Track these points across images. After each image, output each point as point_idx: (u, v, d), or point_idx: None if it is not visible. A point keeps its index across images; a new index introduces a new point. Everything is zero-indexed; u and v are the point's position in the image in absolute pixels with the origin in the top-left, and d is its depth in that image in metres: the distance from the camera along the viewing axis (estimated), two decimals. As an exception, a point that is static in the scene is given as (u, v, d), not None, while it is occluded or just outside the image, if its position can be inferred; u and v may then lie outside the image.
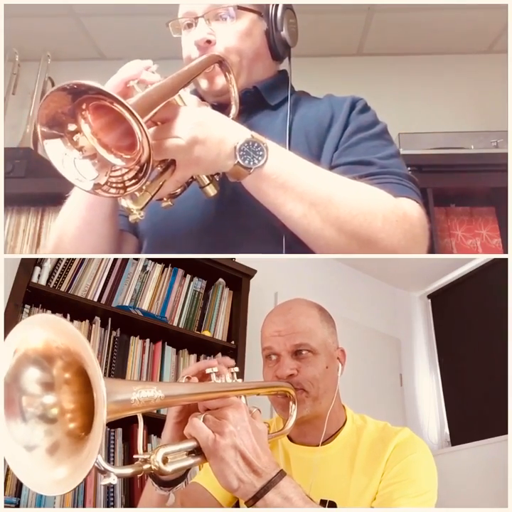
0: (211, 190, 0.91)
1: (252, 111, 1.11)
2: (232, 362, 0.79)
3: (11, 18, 1.68)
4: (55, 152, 0.72)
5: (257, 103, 1.12)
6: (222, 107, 1.02)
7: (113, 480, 0.54)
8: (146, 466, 0.60)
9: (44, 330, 0.54)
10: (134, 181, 0.73)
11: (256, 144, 0.86)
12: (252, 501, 0.66)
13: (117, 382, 0.59)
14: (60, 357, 0.54)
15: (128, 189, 0.74)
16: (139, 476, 0.62)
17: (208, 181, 0.91)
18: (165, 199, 0.89)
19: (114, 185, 0.75)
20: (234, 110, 1.04)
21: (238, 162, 0.85)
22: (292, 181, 0.87)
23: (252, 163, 0.85)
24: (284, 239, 0.96)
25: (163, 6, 2.20)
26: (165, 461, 0.61)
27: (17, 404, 0.55)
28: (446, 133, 2.31)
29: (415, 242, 0.90)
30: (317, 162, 0.96)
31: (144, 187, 0.77)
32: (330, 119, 1.06)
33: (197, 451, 0.67)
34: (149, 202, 0.80)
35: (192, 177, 0.91)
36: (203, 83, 1.09)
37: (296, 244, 0.94)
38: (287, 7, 1.13)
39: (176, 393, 0.66)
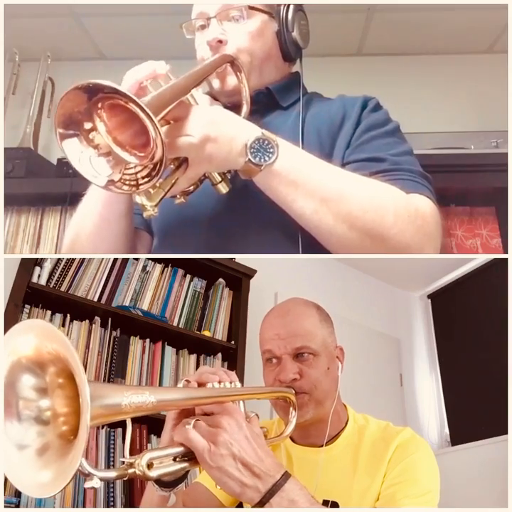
0: (223, 188, 0.93)
1: (264, 111, 1.11)
2: (235, 378, 0.77)
3: (11, 18, 1.69)
4: (72, 151, 0.74)
5: (269, 104, 1.13)
6: (235, 108, 1.03)
7: (96, 483, 0.54)
8: (130, 470, 0.59)
9: (35, 336, 0.54)
10: (146, 179, 0.75)
11: (266, 142, 0.87)
12: (259, 506, 0.65)
13: (108, 386, 0.58)
14: (52, 362, 0.55)
15: (140, 187, 0.76)
16: (123, 479, 0.61)
17: (219, 179, 0.92)
18: (178, 196, 0.91)
19: (127, 182, 0.76)
20: (245, 109, 1.05)
21: (249, 159, 0.86)
22: (303, 178, 0.88)
23: (262, 160, 0.86)
24: (300, 236, 0.96)
25: (163, 6, 2.20)
26: (150, 466, 0.61)
27: (14, 407, 0.55)
28: (446, 133, 2.31)
29: (429, 239, 0.89)
30: (329, 160, 0.96)
31: (157, 184, 0.79)
32: (342, 117, 1.06)
33: (187, 456, 0.66)
34: (163, 198, 0.82)
35: (204, 174, 0.92)
36: (215, 83, 1.09)
37: (309, 243, 0.94)
38: (298, 9, 1.15)
39: (169, 398, 0.66)
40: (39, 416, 0.55)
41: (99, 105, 0.73)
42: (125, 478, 0.61)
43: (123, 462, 0.61)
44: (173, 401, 0.67)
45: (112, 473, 0.58)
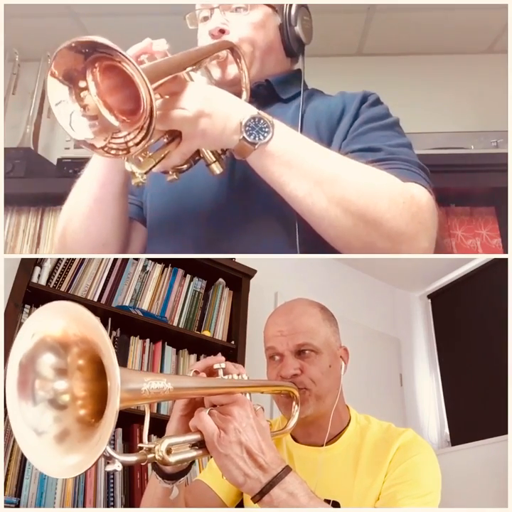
0: (217, 168, 0.92)
1: (263, 104, 1.10)
2: (243, 370, 0.79)
3: (11, 18, 1.69)
4: (55, 93, 0.74)
5: (269, 96, 1.13)
6: None
7: (117, 467, 0.54)
8: (150, 456, 0.61)
9: (63, 317, 0.55)
10: (139, 146, 0.74)
11: (262, 121, 0.86)
12: (259, 496, 0.67)
13: (130, 372, 0.59)
14: (76, 344, 0.55)
15: (131, 150, 0.75)
16: (142, 464, 0.63)
17: (214, 159, 0.91)
18: (170, 172, 0.90)
19: (113, 151, 0.76)
20: (245, 96, 1.05)
21: (244, 137, 0.85)
22: (297, 159, 0.87)
23: (257, 139, 0.85)
24: (297, 236, 0.95)
25: (163, 6, 2.20)
26: (169, 451, 0.62)
27: (30, 386, 0.56)
28: (446, 133, 2.31)
29: (423, 227, 0.88)
30: None
31: (148, 154, 0.79)
32: (341, 111, 1.06)
33: (201, 444, 0.68)
34: (153, 168, 0.81)
35: (198, 154, 0.91)
36: (216, 72, 1.09)
37: (307, 236, 0.94)
38: (302, 5, 1.15)
39: (185, 386, 0.67)
40: (55, 399, 0.56)
41: (96, 65, 0.73)
42: (144, 463, 0.62)
43: (141, 448, 0.62)
44: (188, 389, 0.68)
45: (132, 458, 0.59)
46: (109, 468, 0.54)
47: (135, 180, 0.80)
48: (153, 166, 0.81)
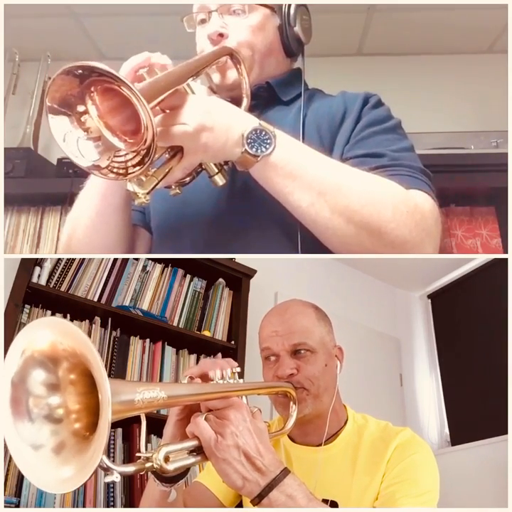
0: (220, 180, 0.91)
1: (264, 106, 1.11)
2: (235, 364, 0.79)
3: (11, 18, 1.69)
4: (59, 128, 0.73)
5: (269, 99, 1.12)
6: (235, 102, 1.01)
7: (116, 478, 0.55)
8: (148, 465, 0.61)
9: (51, 332, 0.55)
10: (138, 168, 0.74)
11: (264, 132, 0.86)
12: (258, 499, 0.67)
13: (122, 383, 0.59)
14: (66, 358, 0.55)
15: (129, 175, 0.75)
16: (140, 473, 0.63)
17: (216, 170, 0.91)
18: (173, 187, 0.89)
19: (114, 169, 0.75)
20: (245, 102, 1.04)
21: (246, 150, 0.85)
22: (300, 170, 0.87)
23: (259, 151, 0.85)
24: (299, 236, 0.95)
25: (163, 6, 2.21)
26: (167, 459, 0.62)
27: (24, 404, 0.55)
28: (446, 133, 2.31)
29: (427, 234, 0.88)
30: (329, 156, 0.95)
31: (150, 172, 0.78)
32: (342, 113, 1.05)
33: (198, 450, 0.68)
34: (155, 187, 0.80)
35: (201, 166, 0.90)
36: (215, 77, 1.09)
37: (309, 242, 0.94)
38: (300, 4, 1.14)
39: (179, 394, 0.67)
40: (50, 414, 0.56)
41: (92, 89, 0.72)
42: (143, 472, 0.62)
43: (139, 457, 0.62)
44: (182, 396, 0.68)
45: (130, 468, 0.60)
46: (108, 479, 0.54)
47: (138, 201, 0.79)
48: (156, 185, 0.80)
